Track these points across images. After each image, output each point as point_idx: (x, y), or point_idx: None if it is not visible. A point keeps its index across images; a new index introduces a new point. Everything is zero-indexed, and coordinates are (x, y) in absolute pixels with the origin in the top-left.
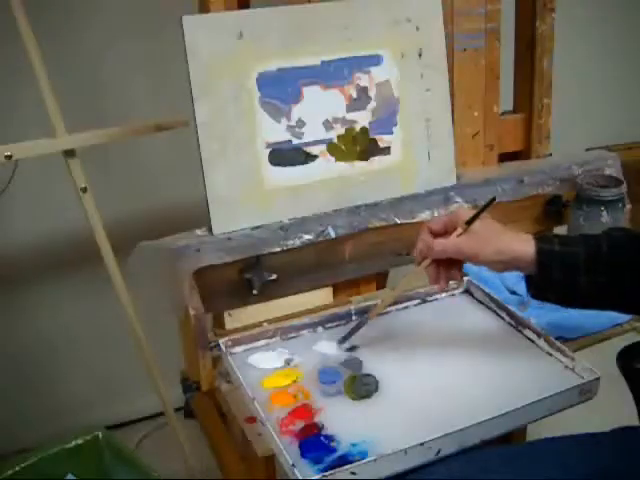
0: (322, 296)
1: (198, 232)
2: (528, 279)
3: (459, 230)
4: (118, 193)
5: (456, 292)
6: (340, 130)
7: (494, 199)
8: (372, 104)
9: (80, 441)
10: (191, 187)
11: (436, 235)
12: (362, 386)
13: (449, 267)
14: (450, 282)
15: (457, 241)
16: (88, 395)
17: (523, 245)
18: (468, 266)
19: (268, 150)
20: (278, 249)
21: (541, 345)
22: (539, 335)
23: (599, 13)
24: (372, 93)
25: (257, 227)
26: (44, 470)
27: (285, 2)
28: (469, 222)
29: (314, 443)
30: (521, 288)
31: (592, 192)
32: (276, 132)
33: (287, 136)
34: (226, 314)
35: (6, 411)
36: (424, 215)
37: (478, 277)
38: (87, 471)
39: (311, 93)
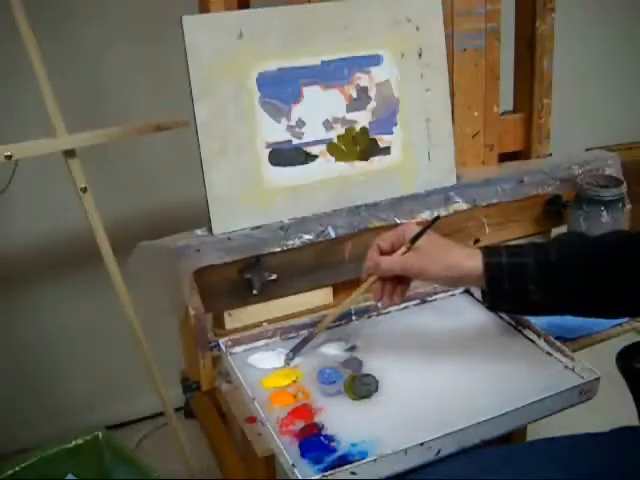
0: (322, 296)
1: (198, 232)
2: (482, 291)
3: (403, 248)
4: (118, 193)
5: (456, 292)
6: (340, 130)
7: (438, 217)
8: (372, 104)
9: (80, 441)
10: (191, 187)
11: (384, 252)
12: (362, 386)
13: (397, 284)
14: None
15: (403, 259)
16: (88, 395)
17: (470, 261)
18: None
19: (268, 150)
20: (278, 249)
21: (541, 345)
22: (539, 335)
23: (599, 13)
24: (372, 93)
25: (257, 227)
26: (44, 470)
27: (285, 2)
28: (413, 240)
29: (314, 443)
30: None
31: (592, 192)
32: (276, 132)
33: (287, 136)
34: (226, 314)
35: (6, 411)
36: (424, 215)
37: None
38: (87, 471)
39: (311, 93)
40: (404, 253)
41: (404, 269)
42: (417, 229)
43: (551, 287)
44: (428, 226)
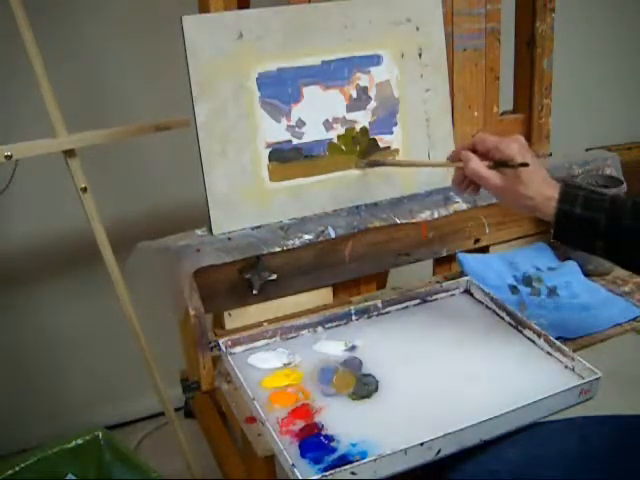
0: (322, 296)
1: (198, 232)
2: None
3: (491, 163)
4: (118, 193)
5: (456, 292)
6: (340, 130)
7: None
8: (372, 104)
9: (80, 441)
10: (191, 187)
11: (475, 151)
12: (362, 386)
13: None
14: (449, 283)
15: (487, 174)
16: (88, 395)
17: (544, 207)
18: (468, 266)
19: (268, 150)
20: (278, 249)
21: (541, 345)
22: (539, 335)
23: (599, 13)
24: (372, 93)
25: (257, 227)
26: (44, 470)
27: (285, 2)
28: (502, 165)
29: (314, 443)
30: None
31: None
32: (276, 132)
33: (287, 136)
34: (226, 314)
35: (6, 411)
36: (424, 215)
37: (479, 277)
38: (87, 471)
39: (311, 93)
40: (490, 167)
41: (483, 184)
42: (516, 153)
43: (617, 248)
44: (521, 164)
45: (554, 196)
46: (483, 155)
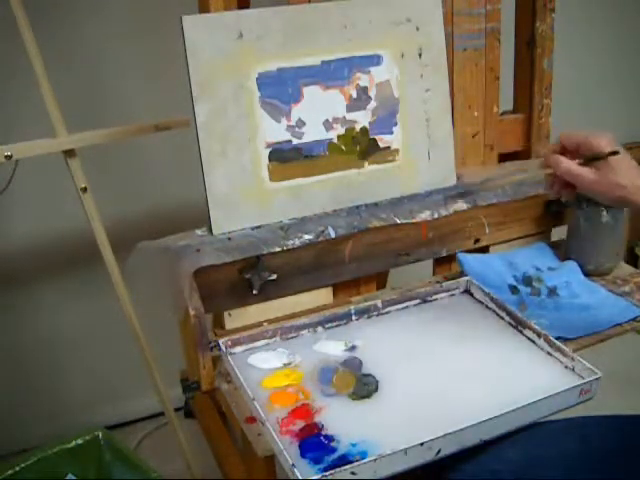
0: (322, 296)
1: (198, 232)
2: None
3: (581, 160)
4: (118, 193)
5: (456, 292)
6: (340, 130)
7: (617, 152)
8: (372, 104)
9: (80, 441)
10: (191, 187)
11: (564, 149)
12: (362, 386)
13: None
14: (449, 283)
15: (579, 171)
16: (88, 395)
17: (637, 192)
18: (468, 266)
19: (268, 150)
20: (278, 249)
21: (541, 345)
22: (539, 335)
23: (599, 13)
24: (372, 93)
25: (257, 227)
26: (44, 470)
27: (285, 2)
28: (592, 159)
29: (314, 443)
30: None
31: None
32: (276, 132)
33: (287, 136)
34: (226, 314)
35: (6, 411)
36: (424, 215)
37: (479, 277)
38: (87, 471)
39: (311, 93)
40: (581, 164)
41: (577, 182)
42: (606, 145)
43: None
44: (611, 153)
45: None
46: (573, 152)
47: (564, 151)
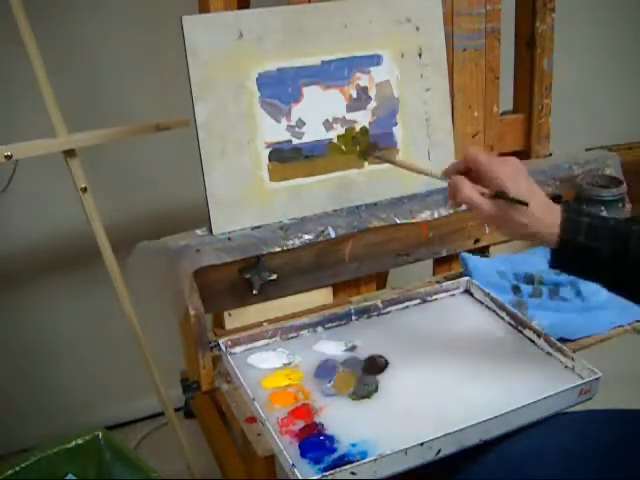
0: (322, 296)
1: (198, 232)
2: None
3: (488, 191)
4: (118, 193)
5: (456, 292)
6: (340, 130)
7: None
8: (372, 104)
9: (80, 441)
10: (191, 187)
11: (466, 170)
12: (362, 386)
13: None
14: (449, 283)
15: (483, 203)
16: (88, 395)
17: (547, 236)
18: (471, 265)
19: (268, 150)
20: (278, 249)
21: (541, 345)
22: (539, 335)
23: (599, 13)
24: (372, 93)
25: (257, 227)
26: (44, 470)
27: (285, 2)
28: (499, 196)
29: (314, 443)
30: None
31: (592, 192)
32: (276, 132)
33: (287, 136)
34: (226, 314)
35: (6, 411)
36: (424, 215)
37: (481, 277)
38: (87, 471)
39: (311, 93)
40: (484, 195)
41: (476, 212)
42: (508, 179)
43: (623, 279)
44: (518, 202)
45: (555, 223)
46: (476, 175)
47: (468, 171)
